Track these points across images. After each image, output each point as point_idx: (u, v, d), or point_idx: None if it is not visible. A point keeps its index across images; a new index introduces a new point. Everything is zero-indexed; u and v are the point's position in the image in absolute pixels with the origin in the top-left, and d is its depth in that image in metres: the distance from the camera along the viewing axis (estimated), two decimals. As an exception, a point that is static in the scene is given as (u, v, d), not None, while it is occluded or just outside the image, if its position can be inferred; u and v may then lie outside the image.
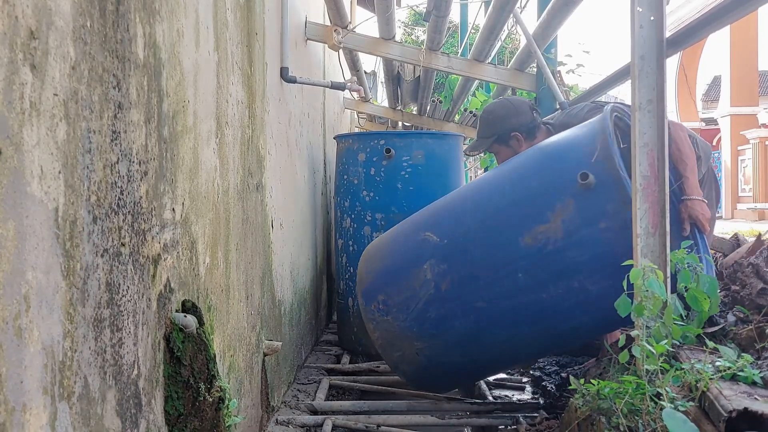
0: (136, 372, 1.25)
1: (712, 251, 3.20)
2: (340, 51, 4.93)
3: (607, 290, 2.15)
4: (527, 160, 2.66)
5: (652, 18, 1.95)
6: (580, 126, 2.57)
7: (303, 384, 3.11)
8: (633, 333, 1.76)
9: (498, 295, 2.44)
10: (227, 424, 1.60)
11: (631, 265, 1.91)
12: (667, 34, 2.02)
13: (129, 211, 1.22)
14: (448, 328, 2.54)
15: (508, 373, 3.41)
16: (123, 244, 1.19)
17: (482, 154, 5.67)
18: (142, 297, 1.28)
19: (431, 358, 2.64)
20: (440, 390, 2.86)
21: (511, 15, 3.93)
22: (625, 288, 1.85)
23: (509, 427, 2.53)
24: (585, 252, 2.29)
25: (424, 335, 2.60)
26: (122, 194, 1.19)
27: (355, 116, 8.68)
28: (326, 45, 4.26)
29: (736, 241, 3.13)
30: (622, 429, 1.61)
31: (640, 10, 1.94)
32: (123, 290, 1.19)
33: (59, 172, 0.96)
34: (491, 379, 3.24)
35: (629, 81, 2.04)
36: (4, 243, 0.83)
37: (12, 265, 0.84)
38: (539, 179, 2.47)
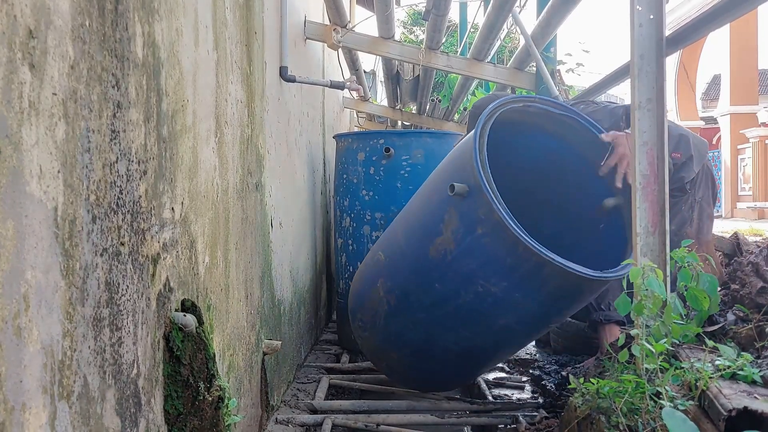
0: (135, 371, 1.25)
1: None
2: (340, 50, 4.93)
3: (508, 290, 2.36)
4: (432, 173, 2.81)
5: (651, 16, 1.95)
6: (465, 138, 2.66)
7: (303, 383, 3.11)
8: (632, 332, 1.76)
9: (430, 305, 2.57)
10: (227, 423, 1.60)
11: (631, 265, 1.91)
12: (667, 32, 2.01)
13: (128, 211, 1.22)
14: (407, 340, 2.72)
15: (507, 372, 3.41)
16: (122, 244, 1.19)
17: None
18: (142, 296, 1.28)
19: (411, 366, 2.82)
20: (438, 390, 2.88)
21: (510, 14, 3.93)
22: (624, 287, 1.86)
23: (509, 427, 2.53)
24: (474, 258, 2.41)
25: (394, 348, 2.81)
26: (121, 193, 1.19)
27: (355, 115, 8.68)
28: (325, 44, 4.26)
29: (736, 240, 3.13)
30: (621, 428, 1.61)
31: (640, 8, 1.94)
32: (122, 289, 1.19)
33: (58, 172, 0.96)
34: (491, 378, 3.25)
35: (629, 80, 2.04)
36: (3, 242, 0.83)
37: (11, 265, 0.84)
38: (433, 192, 2.61)
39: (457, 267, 2.46)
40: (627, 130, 2.64)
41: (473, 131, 2.44)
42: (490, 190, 2.32)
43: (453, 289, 2.50)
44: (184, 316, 1.45)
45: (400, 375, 2.92)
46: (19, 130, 0.86)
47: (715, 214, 3.26)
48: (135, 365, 1.25)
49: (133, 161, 1.24)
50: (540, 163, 2.98)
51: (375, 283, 2.83)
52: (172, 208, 1.46)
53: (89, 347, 1.05)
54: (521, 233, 2.29)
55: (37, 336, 0.90)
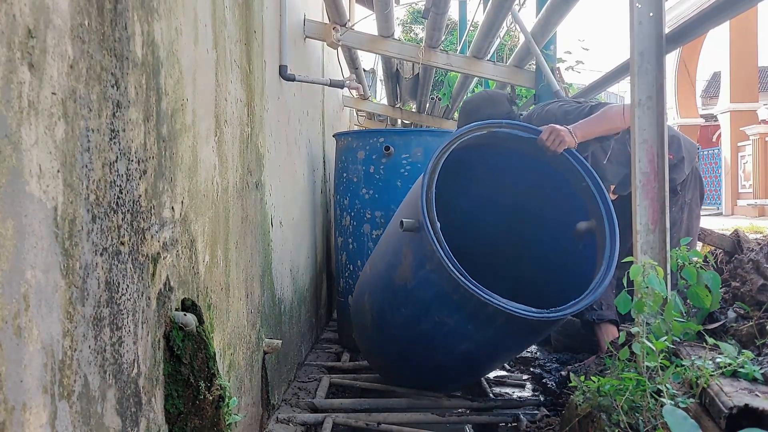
0: (136, 370, 1.25)
1: (712, 247, 3.20)
2: (339, 49, 4.93)
3: (461, 322, 2.44)
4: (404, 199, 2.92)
5: (651, 14, 1.94)
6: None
7: (303, 382, 3.11)
8: (633, 330, 1.76)
9: (401, 325, 2.68)
10: (227, 423, 1.59)
11: (631, 262, 1.91)
12: (667, 30, 2.01)
13: (128, 210, 1.22)
14: (390, 352, 2.86)
15: (508, 371, 3.41)
16: (122, 243, 1.19)
17: None
18: (142, 296, 1.28)
19: (398, 372, 2.94)
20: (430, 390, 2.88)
21: (510, 13, 3.93)
22: (625, 285, 1.86)
23: (510, 425, 2.53)
24: (427, 291, 2.50)
25: (381, 354, 2.97)
26: (121, 193, 1.19)
27: (354, 114, 8.68)
28: (325, 43, 4.26)
29: (737, 237, 3.12)
30: (622, 426, 1.61)
31: (639, 6, 1.94)
32: (122, 289, 1.19)
33: (58, 171, 0.96)
34: (491, 376, 3.25)
35: (628, 78, 2.04)
36: (3, 242, 0.83)
37: (11, 264, 0.84)
38: (397, 220, 2.68)
39: (416, 296, 2.54)
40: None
41: (427, 168, 2.51)
42: (431, 230, 2.39)
43: (415, 315, 2.59)
44: (185, 315, 1.45)
45: (391, 377, 3.02)
46: (18, 129, 0.86)
47: (715, 212, 3.29)
48: (135, 364, 1.25)
49: (132, 160, 1.24)
50: (528, 180, 3.04)
51: (364, 295, 2.95)
52: (172, 207, 1.46)
53: (89, 347, 1.05)
54: (459, 276, 2.34)
55: (37, 335, 0.90)
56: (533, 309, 2.36)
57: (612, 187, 3.01)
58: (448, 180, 2.66)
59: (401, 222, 2.49)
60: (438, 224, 2.40)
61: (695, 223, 3.15)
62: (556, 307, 2.40)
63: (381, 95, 11.11)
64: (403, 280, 2.59)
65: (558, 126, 2.79)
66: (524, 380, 3.21)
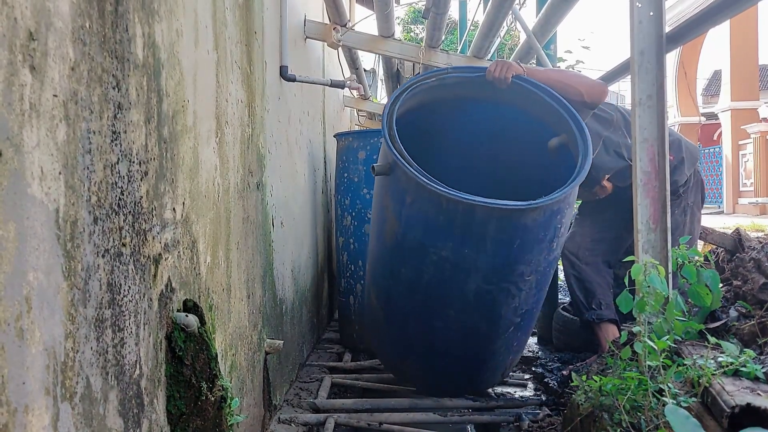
0: (138, 372, 1.25)
1: (714, 246, 3.20)
2: (340, 49, 4.93)
3: (457, 249, 2.44)
4: None
5: (651, 13, 1.94)
6: None
7: (305, 382, 3.12)
8: (634, 329, 1.76)
9: (407, 293, 2.70)
10: (229, 423, 1.60)
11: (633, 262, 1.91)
12: (667, 29, 2.01)
13: (129, 211, 1.22)
14: (407, 337, 2.84)
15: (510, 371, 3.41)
16: (124, 245, 1.19)
17: None
18: (144, 297, 1.28)
19: (423, 367, 2.86)
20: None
21: (510, 12, 3.93)
22: (626, 284, 1.86)
23: (512, 424, 2.53)
24: (416, 228, 2.51)
25: (403, 346, 2.90)
26: (123, 194, 1.19)
27: (355, 114, 8.68)
28: (325, 43, 4.26)
29: (738, 236, 3.12)
30: (624, 425, 1.61)
31: (640, 5, 1.94)
32: (124, 290, 1.19)
33: (59, 173, 0.96)
34: (493, 375, 3.25)
35: (629, 77, 2.04)
36: (5, 244, 0.83)
37: (13, 267, 0.84)
38: (375, 190, 2.79)
39: (409, 243, 2.53)
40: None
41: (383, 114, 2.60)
42: (400, 157, 2.43)
43: (415, 267, 2.56)
44: (186, 316, 1.45)
45: (414, 372, 2.92)
46: (20, 132, 0.86)
47: (716, 210, 3.32)
48: (137, 366, 1.25)
49: (134, 162, 1.24)
50: (498, 128, 3.10)
51: (370, 293, 2.95)
52: (174, 209, 1.46)
53: (91, 348, 1.06)
54: (438, 186, 2.34)
55: (40, 337, 0.90)
56: (519, 202, 2.34)
57: (606, 176, 3.03)
58: (420, 157, 2.66)
59: (372, 167, 2.58)
60: (408, 156, 2.46)
61: (696, 226, 3.17)
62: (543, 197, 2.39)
63: (381, 95, 11.11)
64: (393, 234, 2.60)
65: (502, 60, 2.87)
66: (526, 380, 3.21)
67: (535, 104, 2.81)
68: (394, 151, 2.45)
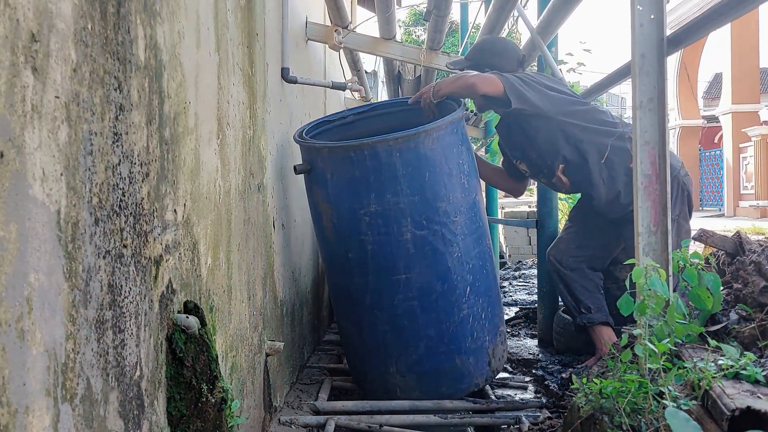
0: (138, 373, 1.25)
1: (714, 249, 3.20)
2: (341, 51, 4.93)
3: (392, 203, 2.69)
4: None
5: (652, 16, 1.95)
6: None
7: (305, 384, 3.12)
8: (635, 332, 1.75)
9: (364, 293, 2.88)
10: (229, 425, 1.60)
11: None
12: (668, 32, 2.01)
13: (131, 213, 1.22)
14: (380, 340, 2.93)
15: (510, 373, 3.41)
16: (125, 246, 1.19)
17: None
18: (144, 298, 1.28)
19: (405, 356, 2.91)
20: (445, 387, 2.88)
21: (512, 14, 3.93)
22: (627, 287, 1.86)
23: (512, 427, 2.53)
24: (341, 206, 2.80)
25: (379, 351, 2.97)
26: (124, 196, 1.19)
27: (356, 116, 8.67)
28: (327, 45, 4.26)
29: (739, 239, 3.12)
30: (624, 428, 1.61)
31: (641, 8, 1.94)
32: (125, 292, 1.19)
33: (61, 175, 0.96)
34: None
35: (630, 79, 2.04)
36: (7, 245, 0.83)
37: (14, 267, 0.85)
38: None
39: (344, 221, 2.79)
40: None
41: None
42: (310, 142, 2.86)
43: (357, 241, 2.77)
44: (187, 317, 1.45)
45: (402, 383, 2.89)
46: (22, 133, 0.87)
47: (717, 213, 3.29)
48: (138, 367, 1.25)
49: (135, 163, 1.24)
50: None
51: (340, 321, 3.14)
52: (175, 210, 1.46)
53: (92, 349, 1.06)
54: (343, 143, 2.74)
55: (40, 339, 0.90)
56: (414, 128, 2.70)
57: (561, 166, 3.14)
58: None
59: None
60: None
61: (684, 237, 3.15)
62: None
63: (382, 97, 11.11)
64: (330, 223, 2.84)
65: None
66: (526, 382, 3.21)
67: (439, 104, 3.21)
68: (306, 142, 2.84)
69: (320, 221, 2.90)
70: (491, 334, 2.94)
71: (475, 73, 3.16)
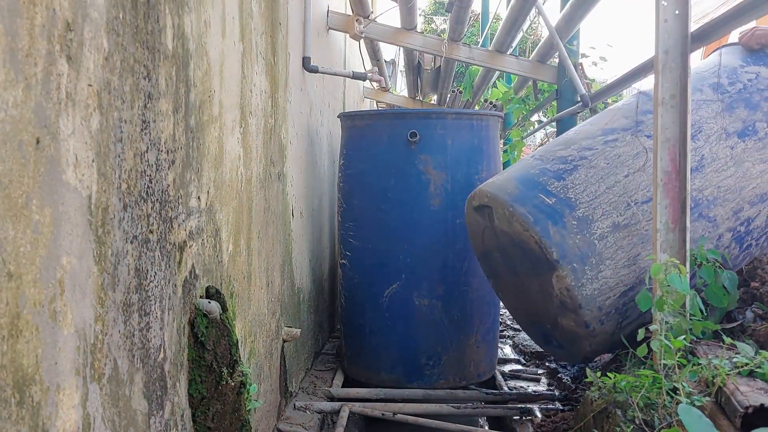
0: (162, 355, 1.28)
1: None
2: (361, 40, 4.94)
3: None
4: None
5: (677, 12, 1.94)
6: None
7: (320, 371, 3.15)
8: (651, 327, 1.76)
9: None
10: (247, 408, 1.63)
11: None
12: (692, 27, 2.01)
13: (157, 199, 1.25)
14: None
15: (523, 365, 3.42)
16: (151, 231, 1.22)
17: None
18: (169, 283, 1.31)
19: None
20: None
21: (534, 7, 3.91)
22: (646, 283, 1.86)
23: (524, 418, 2.55)
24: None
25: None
26: (151, 182, 1.22)
27: (375, 105, 8.68)
28: (347, 34, 4.27)
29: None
30: (637, 422, 1.62)
31: (665, 3, 1.94)
32: (151, 276, 1.22)
33: (92, 161, 0.99)
34: (506, 370, 3.26)
35: (652, 75, 2.04)
36: (41, 229, 0.86)
37: (48, 250, 0.87)
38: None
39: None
40: None
41: None
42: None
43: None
44: (209, 302, 1.48)
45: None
46: (56, 120, 0.89)
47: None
48: (162, 350, 1.28)
49: (162, 151, 1.27)
50: None
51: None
52: (198, 197, 1.49)
53: (119, 331, 1.09)
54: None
55: (71, 320, 0.93)
56: None
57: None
58: None
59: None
60: None
61: None
62: None
63: (401, 87, 11.09)
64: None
65: None
66: (539, 375, 3.22)
67: None
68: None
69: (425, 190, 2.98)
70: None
71: None
